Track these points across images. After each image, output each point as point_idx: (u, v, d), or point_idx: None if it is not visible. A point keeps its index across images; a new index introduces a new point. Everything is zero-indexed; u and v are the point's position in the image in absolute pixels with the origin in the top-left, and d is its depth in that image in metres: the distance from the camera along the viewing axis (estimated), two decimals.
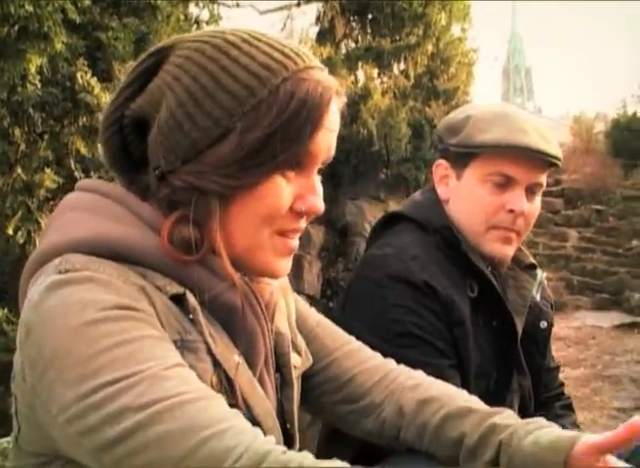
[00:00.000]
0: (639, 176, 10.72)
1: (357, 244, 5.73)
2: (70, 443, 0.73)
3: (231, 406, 0.80)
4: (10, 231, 2.68)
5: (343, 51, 6.65)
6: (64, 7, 2.75)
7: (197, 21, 3.80)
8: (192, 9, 3.82)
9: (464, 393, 1.08)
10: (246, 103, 0.79)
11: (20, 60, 2.63)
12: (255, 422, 0.84)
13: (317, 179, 0.87)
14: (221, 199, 0.81)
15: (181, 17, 3.54)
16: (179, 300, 0.81)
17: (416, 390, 1.06)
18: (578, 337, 6.94)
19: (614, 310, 8.03)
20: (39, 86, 2.75)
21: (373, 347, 1.14)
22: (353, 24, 6.83)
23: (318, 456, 1.41)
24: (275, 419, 0.90)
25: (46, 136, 2.87)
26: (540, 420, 0.98)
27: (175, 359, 0.74)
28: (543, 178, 1.43)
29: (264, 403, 0.88)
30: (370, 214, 5.85)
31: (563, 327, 6.94)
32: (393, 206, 5.44)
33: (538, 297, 1.52)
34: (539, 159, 1.37)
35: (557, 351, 5.95)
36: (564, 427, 1.00)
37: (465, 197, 1.44)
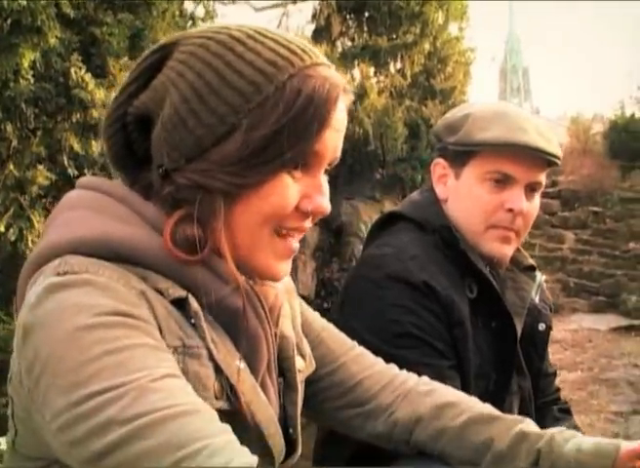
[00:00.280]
0: (637, 178, 10.76)
1: (352, 244, 5.74)
2: (62, 452, 0.72)
3: (233, 413, 0.80)
4: (1, 228, 2.67)
5: (339, 49, 6.64)
6: (58, 1, 2.74)
7: (192, 18, 3.80)
8: (188, 5, 3.82)
9: (478, 400, 1.10)
10: (252, 100, 0.78)
11: (12, 55, 2.62)
12: (257, 429, 0.85)
13: (324, 180, 0.87)
14: (226, 197, 0.81)
15: (177, 13, 3.53)
16: (180, 304, 0.81)
17: (431, 395, 1.08)
18: (574, 340, 6.96)
19: (610, 313, 8.06)
20: (32, 81, 2.73)
21: (371, 348, 1.15)
22: (349, 22, 6.82)
23: (315, 458, 1.42)
24: (278, 425, 0.90)
25: (39, 133, 2.85)
26: (567, 429, 1.03)
27: (166, 369, 0.73)
28: (543, 177, 1.43)
29: (267, 409, 0.88)
30: (365, 215, 5.85)
31: (560, 329, 6.95)
32: (389, 206, 5.44)
33: (536, 300, 1.53)
34: (538, 157, 1.38)
35: (554, 354, 5.97)
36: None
37: (464, 196, 1.45)
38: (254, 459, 0.70)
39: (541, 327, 1.52)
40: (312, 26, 6.59)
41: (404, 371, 1.14)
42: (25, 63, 2.65)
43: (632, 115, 12.01)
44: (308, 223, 0.88)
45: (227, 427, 0.73)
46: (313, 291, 5.49)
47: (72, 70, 2.85)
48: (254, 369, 0.87)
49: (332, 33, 6.53)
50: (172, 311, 0.79)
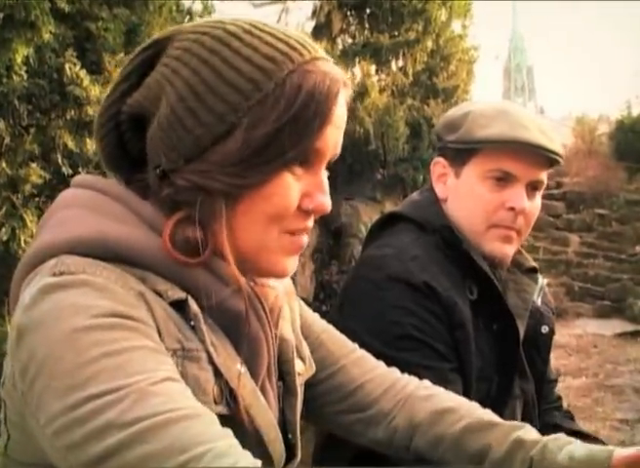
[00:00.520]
0: None
1: (352, 246, 5.74)
2: (57, 457, 0.72)
3: (232, 418, 0.80)
4: None
5: (340, 46, 6.64)
6: None
7: (190, 13, 3.80)
8: (185, 0, 3.83)
9: (478, 405, 1.10)
10: (251, 98, 0.77)
11: (5, 50, 2.61)
12: (257, 434, 0.85)
13: (325, 177, 0.87)
14: (227, 199, 0.80)
15: (174, 8, 3.54)
16: (179, 306, 0.80)
17: (430, 400, 1.08)
18: (579, 346, 6.97)
19: (616, 318, 8.08)
20: (25, 77, 2.73)
21: (371, 350, 1.15)
22: (350, 19, 6.83)
23: (315, 461, 1.42)
24: (278, 430, 0.90)
25: (32, 130, 2.85)
26: (563, 436, 1.01)
27: (165, 372, 0.73)
28: (544, 176, 1.44)
29: (267, 414, 0.87)
30: (365, 215, 5.86)
31: (564, 334, 6.97)
32: (389, 207, 5.44)
33: (539, 302, 1.53)
34: (540, 155, 1.38)
35: (557, 359, 5.98)
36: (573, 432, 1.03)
37: (465, 195, 1.45)
38: (257, 463, 0.70)
39: (544, 329, 1.52)
40: (312, 23, 6.59)
41: (405, 375, 1.13)
42: (19, 59, 2.65)
43: (639, 115, 12.01)
44: (311, 222, 0.87)
45: (229, 431, 0.72)
46: (312, 293, 5.50)
47: (67, 66, 2.85)
48: (254, 373, 0.87)
49: (332, 30, 6.54)
50: (171, 313, 0.79)
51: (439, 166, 1.50)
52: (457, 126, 1.44)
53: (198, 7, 3.88)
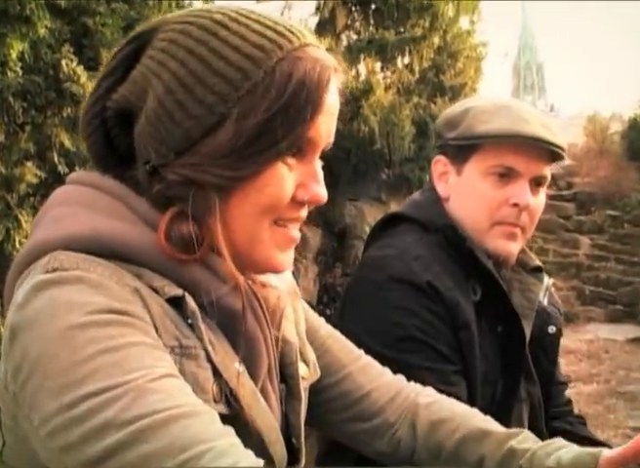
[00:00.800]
0: None
1: (356, 248, 5.73)
2: (51, 459, 0.71)
3: (232, 417, 0.79)
4: None
5: (344, 43, 6.66)
6: None
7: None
8: None
9: (477, 412, 1.10)
10: (240, 87, 0.77)
11: None
12: (257, 435, 0.84)
13: (319, 167, 0.87)
14: (220, 192, 0.80)
15: (173, 3, 3.54)
16: (176, 303, 0.80)
17: (429, 409, 1.08)
18: (590, 351, 6.96)
19: (628, 323, 8.06)
20: (20, 73, 2.73)
21: (373, 352, 1.15)
22: (355, 15, 6.85)
23: (318, 465, 1.42)
24: (279, 433, 0.89)
25: (27, 128, 2.86)
26: (559, 440, 1.01)
27: (164, 369, 0.72)
28: (548, 171, 1.44)
29: (267, 415, 0.87)
30: (370, 217, 5.85)
31: (574, 339, 6.96)
32: (395, 208, 5.43)
33: (545, 302, 1.53)
34: (542, 149, 1.38)
35: (568, 365, 5.97)
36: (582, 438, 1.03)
37: (467, 193, 1.45)
38: (260, 462, 0.70)
39: (551, 329, 1.51)
40: (316, 19, 6.61)
41: (411, 383, 1.13)
42: (13, 55, 2.66)
43: None
44: (304, 212, 0.87)
45: (230, 429, 0.72)
46: (315, 296, 5.49)
47: (63, 62, 2.85)
48: (253, 373, 0.87)
49: (336, 26, 6.55)
50: (167, 310, 0.79)
51: (440, 164, 1.50)
52: (457, 122, 1.45)
53: (198, 3, 3.89)
